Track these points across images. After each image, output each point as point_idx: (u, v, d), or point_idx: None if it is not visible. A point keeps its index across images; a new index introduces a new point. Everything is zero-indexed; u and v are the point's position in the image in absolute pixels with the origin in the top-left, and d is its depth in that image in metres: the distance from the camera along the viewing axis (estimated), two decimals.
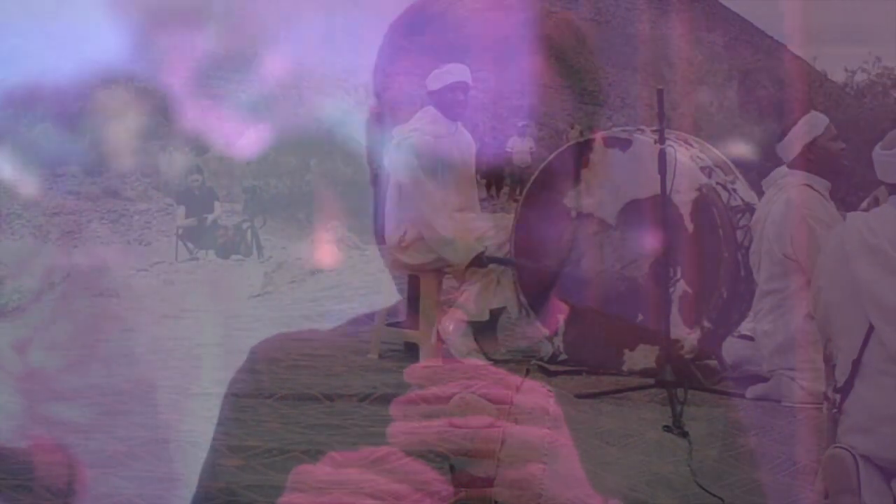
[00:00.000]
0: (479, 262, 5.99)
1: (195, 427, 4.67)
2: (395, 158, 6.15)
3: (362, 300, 7.97)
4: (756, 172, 6.24)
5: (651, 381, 5.44)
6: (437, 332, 6.01)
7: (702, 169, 5.90)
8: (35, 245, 13.54)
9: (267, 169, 15.00)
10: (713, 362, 5.79)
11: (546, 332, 6.05)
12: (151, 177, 15.24)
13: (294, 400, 5.24)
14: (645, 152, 5.83)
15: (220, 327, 8.16)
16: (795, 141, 5.45)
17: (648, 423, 4.90)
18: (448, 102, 6.19)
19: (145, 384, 6.00)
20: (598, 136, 6.23)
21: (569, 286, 6.02)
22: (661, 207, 5.61)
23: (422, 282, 6.08)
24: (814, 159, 5.41)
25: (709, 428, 4.84)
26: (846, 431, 3.68)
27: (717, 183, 5.88)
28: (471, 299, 6.09)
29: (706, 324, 5.74)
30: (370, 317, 6.75)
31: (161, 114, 14.54)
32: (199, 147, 15.32)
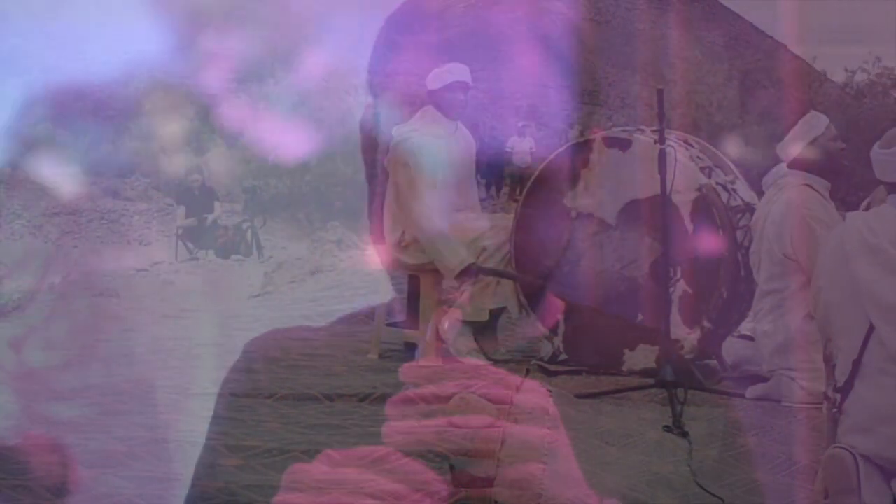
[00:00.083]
0: (470, 272, 5.98)
1: (195, 427, 4.67)
2: (394, 158, 6.15)
3: (362, 300, 7.97)
4: (756, 172, 6.24)
5: (651, 381, 5.43)
6: (437, 331, 6.01)
7: (702, 169, 5.90)
8: (35, 245, 13.54)
9: (267, 169, 14.99)
10: (713, 362, 5.79)
11: (543, 329, 6.05)
12: (151, 177, 15.23)
13: (294, 400, 5.24)
14: (645, 152, 5.83)
15: (220, 327, 8.16)
16: (795, 141, 5.45)
17: (648, 423, 4.89)
18: (448, 102, 6.19)
19: (145, 384, 6.00)
20: (598, 136, 6.23)
21: (568, 286, 6.02)
22: (661, 207, 5.61)
23: (422, 282, 6.08)
24: (814, 159, 5.41)
25: (709, 428, 4.84)
26: (846, 431, 3.68)
27: (717, 183, 5.88)
28: (470, 299, 6.09)
29: (706, 324, 5.74)
30: (370, 317, 6.75)
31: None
32: (199, 147, 15.32)
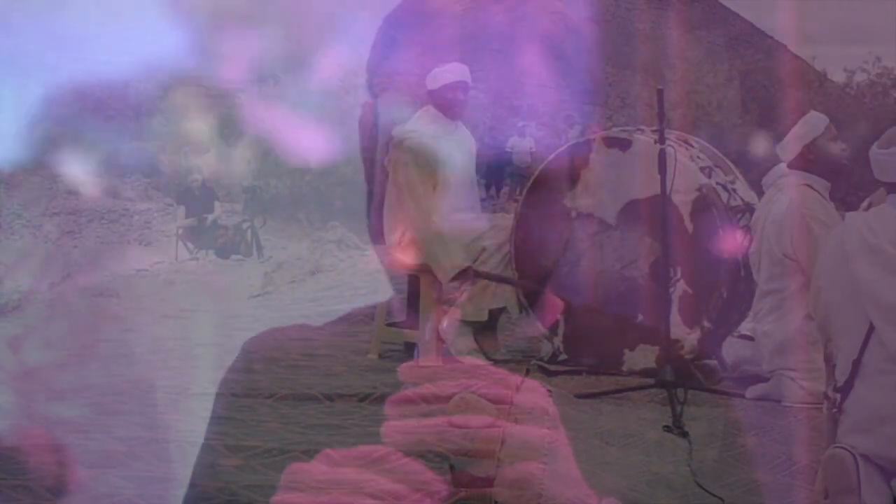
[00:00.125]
0: (466, 276, 5.97)
1: (195, 427, 4.67)
2: (394, 158, 6.15)
3: (362, 300, 7.97)
4: (756, 172, 6.24)
5: (651, 381, 5.43)
6: (438, 332, 6.01)
7: (702, 169, 5.90)
8: (35, 245, 13.54)
9: (267, 169, 14.99)
10: (713, 362, 5.79)
11: (542, 327, 6.05)
12: (151, 177, 15.23)
13: (294, 400, 5.24)
14: (645, 152, 5.82)
15: (220, 327, 8.16)
16: (795, 141, 5.45)
17: (648, 423, 4.90)
18: (448, 102, 6.19)
19: (145, 384, 6.01)
20: (598, 136, 6.23)
21: (568, 286, 6.02)
22: (661, 207, 5.61)
23: (422, 282, 6.08)
24: (813, 159, 5.41)
25: (709, 428, 4.84)
26: (846, 431, 3.68)
27: (717, 183, 5.88)
28: (469, 299, 6.09)
29: (706, 324, 5.74)
30: (370, 317, 6.75)
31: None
32: (200, 147, 15.32)
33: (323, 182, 14.50)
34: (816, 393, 4.63)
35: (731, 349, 5.73)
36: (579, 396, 5.31)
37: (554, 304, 6.00)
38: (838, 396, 3.71)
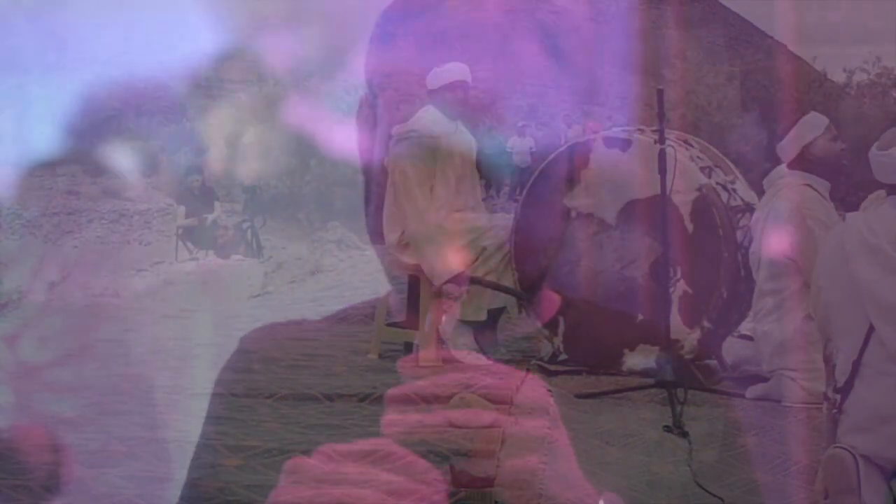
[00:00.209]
0: (460, 280, 5.97)
1: (195, 427, 4.67)
2: (393, 158, 6.15)
3: (362, 300, 7.97)
4: (756, 172, 6.24)
5: (651, 381, 5.43)
6: (438, 332, 6.01)
7: (702, 169, 5.89)
8: (35, 245, 13.54)
9: (267, 169, 14.99)
10: (713, 362, 5.79)
11: (538, 323, 6.05)
12: (151, 177, 15.24)
13: (294, 400, 5.24)
14: (645, 152, 5.82)
15: (220, 327, 8.16)
16: (795, 141, 5.45)
17: (648, 423, 4.90)
18: (448, 101, 6.19)
19: (145, 384, 6.01)
20: (598, 136, 6.23)
21: (568, 286, 6.02)
22: (661, 207, 5.61)
23: (422, 281, 6.08)
24: (813, 160, 5.41)
25: (709, 428, 4.84)
26: (846, 431, 3.68)
27: (717, 183, 5.88)
28: (469, 299, 6.09)
29: (706, 324, 5.74)
30: (370, 317, 6.75)
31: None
32: (199, 147, 15.33)
33: (323, 182, 14.50)
34: (816, 393, 4.63)
35: (731, 349, 5.73)
36: (579, 396, 5.31)
37: (551, 300, 6.00)
38: (838, 397, 3.71)
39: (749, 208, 5.84)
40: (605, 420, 4.93)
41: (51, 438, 4.46)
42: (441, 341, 5.99)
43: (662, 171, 5.56)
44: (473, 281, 6.01)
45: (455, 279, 5.95)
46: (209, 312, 9.99)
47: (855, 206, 5.77)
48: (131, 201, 14.79)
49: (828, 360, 3.85)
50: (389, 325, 6.37)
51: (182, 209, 14.26)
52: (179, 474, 4.09)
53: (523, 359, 6.09)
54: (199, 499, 3.87)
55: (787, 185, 5.40)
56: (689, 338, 5.72)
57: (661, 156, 5.58)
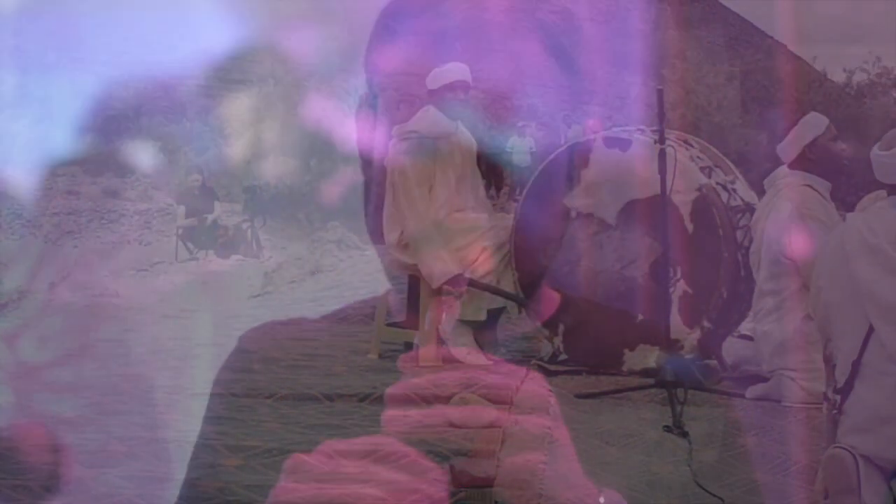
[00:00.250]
0: (457, 282, 5.97)
1: (195, 427, 4.68)
2: (392, 159, 6.16)
3: (362, 300, 7.97)
4: (756, 172, 6.24)
5: (651, 381, 5.43)
6: (438, 332, 6.01)
7: (702, 169, 5.90)
8: (35, 245, 13.55)
9: (267, 169, 14.99)
10: (713, 362, 5.79)
11: (538, 321, 6.05)
12: (151, 177, 15.24)
13: (294, 400, 5.25)
14: (645, 152, 5.83)
15: (220, 327, 8.16)
16: (796, 141, 5.45)
17: (648, 423, 4.90)
18: (449, 102, 6.19)
19: (145, 384, 6.01)
20: (598, 136, 6.23)
21: (568, 286, 6.02)
22: (661, 207, 5.61)
23: (422, 281, 6.08)
24: (814, 160, 5.41)
25: (709, 428, 4.84)
26: (846, 432, 3.68)
27: (717, 183, 5.88)
28: (469, 299, 6.09)
29: (706, 324, 5.74)
30: (370, 317, 6.75)
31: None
32: (200, 147, 15.33)
33: (323, 182, 14.50)
34: (816, 393, 4.63)
35: (731, 349, 5.73)
36: (579, 396, 5.31)
37: (551, 298, 6.00)
38: (838, 398, 3.71)
39: (749, 208, 5.84)
40: (605, 420, 4.93)
41: (50, 437, 4.47)
42: (441, 341, 6.00)
43: (662, 171, 5.56)
44: (470, 284, 6.02)
45: (452, 281, 5.95)
46: (209, 312, 9.99)
47: (855, 207, 5.77)
48: (131, 201, 14.79)
49: (828, 361, 3.85)
50: (389, 325, 6.37)
51: (182, 209, 14.27)
52: (179, 474, 4.09)
53: (523, 359, 6.09)
54: (199, 499, 3.87)
55: (788, 186, 5.40)
56: (689, 338, 5.72)
57: (661, 156, 5.58)
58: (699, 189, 5.78)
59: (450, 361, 5.86)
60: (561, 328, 6.01)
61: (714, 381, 5.65)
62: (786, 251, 5.27)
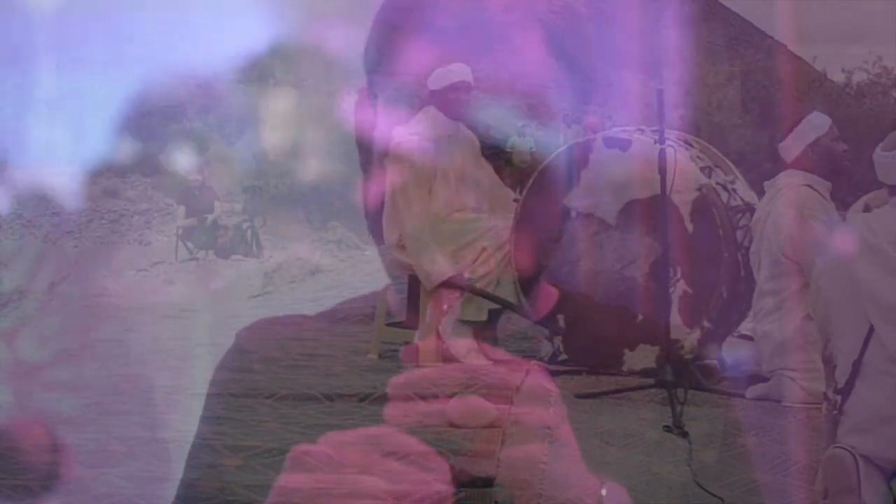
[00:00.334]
0: (455, 285, 5.97)
1: (195, 427, 4.68)
2: (392, 160, 6.16)
3: (362, 300, 7.97)
4: (756, 172, 6.24)
5: (651, 381, 5.43)
6: (438, 332, 6.01)
7: (702, 169, 5.89)
8: (35, 245, 13.55)
9: (267, 169, 14.99)
10: (713, 362, 5.79)
11: (534, 317, 6.04)
12: (151, 177, 15.24)
13: (294, 400, 5.25)
14: (645, 152, 5.82)
15: (220, 327, 8.16)
16: (797, 141, 5.45)
17: (648, 423, 4.90)
18: (450, 102, 6.19)
19: (145, 384, 6.01)
20: (598, 136, 6.23)
21: (568, 285, 6.02)
22: (661, 207, 5.61)
23: (421, 282, 6.08)
24: (815, 160, 5.41)
25: (709, 428, 4.84)
26: (847, 432, 3.68)
27: (717, 183, 5.88)
28: (469, 299, 6.09)
29: (706, 324, 5.74)
30: (370, 317, 6.75)
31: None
32: (200, 147, 15.33)
33: (323, 182, 14.50)
34: (816, 393, 4.63)
35: (731, 349, 5.73)
36: (579, 396, 5.31)
37: (549, 293, 6.00)
38: (838, 398, 3.71)
39: (749, 208, 5.83)
40: (605, 420, 4.93)
41: (49, 433, 4.47)
42: (441, 340, 6.00)
43: (662, 171, 5.56)
44: (473, 291, 6.02)
45: (448, 283, 5.96)
46: (209, 312, 10.00)
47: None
48: (131, 201, 14.79)
49: (828, 361, 3.85)
50: (389, 325, 6.37)
51: (182, 209, 14.27)
52: (179, 474, 4.09)
53: (523, 359, 6.08)
54: (199, 499, 3.87)
55: (788, 185, 5.40)
56: (689, 338, 5.72)
57: (661, 156, 5.58)
58: (699, 189, 5.78)
59: (450, 361, 5.86)
60: (561, 322, 6.00)
61: (714, 381, 5.65)
62: (786, 251, 5.27)
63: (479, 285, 6.08)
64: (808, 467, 4.28)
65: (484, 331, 6.19)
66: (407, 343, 6.22)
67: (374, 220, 6.47)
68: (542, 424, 3.93)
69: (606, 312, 5.92)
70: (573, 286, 6.00)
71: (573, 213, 6.04)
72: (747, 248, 5.64)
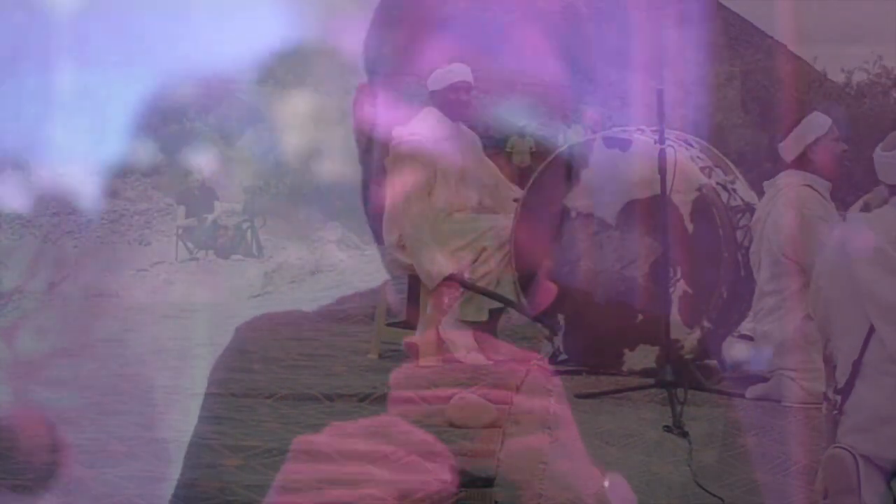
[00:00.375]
0: (452, 281, 5.97)
1: (195, 427, 4.68)
2: (392, 160, 6.16)
3: (362, 300, 7.98)
4: (756, 172, 6.24)
5: (651, 381, 5.43)
6: (438, 332, 6.01)
7: (702, 169, 5.90)
8: (35, 245, 13.54)
9: (267, 169, 14.99)
10: (713, 362, 5.79)
11: (533, 312, 6.04)
12: (151, 177, 15.23)
13: (294, 400, 5.25)
14: (645, 152, 5.82)
15: (220, 327, 8.16)
16: (797, 141, 5.45)
17: (648, 423, 4.90)
18: (450, 103, 6.19)
19: (145, 384, 6.01)
20: (599, 136, 6.23)
21: (568, 285, 6.02)
22: (661, 207, 5.61)
23: (421, 282, 6.08)
24: (815, 160, 5.41)
25: (709, 428, 4.84)
26: (847, 432, 3.68)
27: (717, 183, 5.88)
28: (469, 299, 6.09)
29: (706, 324, 5.74)
30: (370, 317, 6.75)
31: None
32: (200, 147, 15.32)
33: (323, 182, 14.50)
34: (816, 393, 4.63)
35: (731, 349, 5.73)
36: (579, 396, 5.31)
37: (547, 288, 6.00)
38: (838, 398, 3.71)
39: (749, 208, 5.83)
40: (605, 420, 4.93)
41: (49, 431, 4.47)
42: (441, 341, 6.00)
43: (662, 171, 5.56)
44: (472, 288, 6.02)
45: (448, 280, 5.96)
46: (209, 312, 9.99)
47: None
48: (131, 201, 14.79)
49: (828, 361, 3.85)
50: (389, 325, 6.37)
51: (182, 209, 14.27)
52: (179, 474, 4.09)
53: (528, 351, 6.08)
54: (199, 499, 3.87)
55: (788, 185, 5.40)
56: (689, 338, 5.72)
57: (661, 156, 5.58)
58: (699, 189, 5.78)
59: (450, 361, 5.86)
60: (561, 321, 6.00)
61: (714, 381, 5.65)
62: (786, 251, 5.27)
63: (479, 285, 6.08)
64: (808, 467, 4.28)
65: (484, 331, 6.19)
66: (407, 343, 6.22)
67: (375, 220, 6.48)
68: (542, 424, 3.93)
69: (606, 312, 5.92)
70: (573, 286, 6.00)
71: (573, 213, 6.04)
72: (747, 248, 5.64)
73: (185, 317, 9.76)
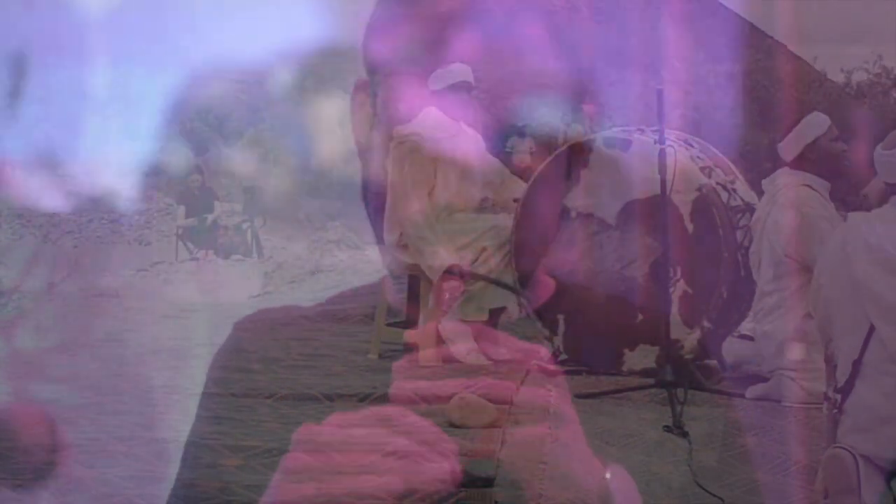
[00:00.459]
0: (458, 274, 5.98)
1: (195, 427, 4.67)
2: (392, 160, 6.16)
3: (362, 300, 7.98)
4: (756, 172, 6.24)
5: (651, 381, 5.43)
6: (438, 332, 6.01)
7: (702, 169, 5.89)
8: (35, 245, 13.55)
9: (267, 169, 14.99)
10: (713, 362, 5.79)
11: (532, 307, 6.04)
12: (151, 177, 15.23)
13: (294, 400, 5.24)
14: (645, 152, 5.82)
15: (220, 327, 8.16)
16: (796, 141, 5.45)
17: (648, 423, 4.90)
18: (451, 103, 6.20)
19: (145, 384, 6.01)
20: (598, 136, 6.23)
21: (567, 285, 6.02)
22: (661, 207, 5.61)
23: (422, 281, 6.08)
24: (814, 160, 5.41)
25: (709, 428, 4.84)
26: (847, 432, 3.68)
27: (717, 183, 5.88)
28: (469, 299, 6.09)
29: (706, 324, 5.74)
30: (370, 317, 6.75)
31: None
32: (200, 147, 15.33)
33: (323, 182, 14.50)
34: (816, 393, 4.63)
35: (731, 349, 5.73)
36: (579, 396, 5.31)
37: (546, 282, 6.00)
38: (839, 397, 3.71)
39: (749, 208, 5.83)
40: (605, 420, 4.93)
41: (49, 430, 4.46)
42: (441, 341, 6.00)
43: (662, 171, 5.56)
44: (474, 276, 6.02)
45: (451, 271, 5.96)
46: (209, 312, 9.99)
47: (855, 207, 5.77)
48: (131, 201, 14.79)
49: (828, 361, 3.85)
50: (389, 325, 6.37)
51: (182, 209, 14.27)
52: (179, 474, 4.09)
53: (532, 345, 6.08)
54: (199, 499, 3.87)
55: (787, 185, 5.40)
56: (689, 338, 5.72)
57: (661, 156, 5.58)
58: (699, 189, 5.78)
59: (450, 361, 5.86)
60: (561, 329, 6.00)
61: (714, 381, 5.65)
62: (787, 251, 5.27)
63: (478, 286, 6.08)
64: (808, 467, 4.28)
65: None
66: (407, 343, 6.22)
67: (375, 220, 6.48)
68: (543, 423, 3.93)
69: (606, 312, 5.92)
70: (573, 286, 6.00)
71: (573, 213, 6.04)
72: (747, 248, 5.64)
73: (185, 317, 9.77)
